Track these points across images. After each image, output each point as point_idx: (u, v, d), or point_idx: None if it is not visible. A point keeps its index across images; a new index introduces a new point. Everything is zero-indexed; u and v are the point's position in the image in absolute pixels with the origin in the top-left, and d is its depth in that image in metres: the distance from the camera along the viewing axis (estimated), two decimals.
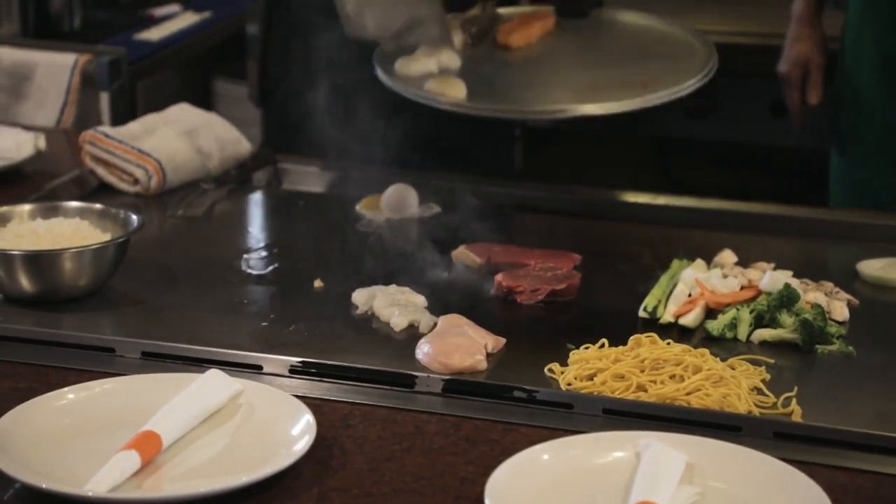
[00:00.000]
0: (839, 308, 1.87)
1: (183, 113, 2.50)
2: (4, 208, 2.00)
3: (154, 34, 3.47)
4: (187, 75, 3.90)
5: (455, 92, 2.09)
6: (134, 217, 1.98)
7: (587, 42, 2.36)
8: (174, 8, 3.76)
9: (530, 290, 1.92)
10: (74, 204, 2.04)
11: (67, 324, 1.84)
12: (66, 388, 1.58)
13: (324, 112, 2.32)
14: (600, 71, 2.22)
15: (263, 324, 1.85)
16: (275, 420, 1.54)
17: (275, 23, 2.68)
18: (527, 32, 2.34)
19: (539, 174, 3.47)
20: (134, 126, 2.42)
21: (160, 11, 3.72)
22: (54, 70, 3.00)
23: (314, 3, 2.42)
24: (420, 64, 2.19)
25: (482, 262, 2.03)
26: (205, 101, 3.83)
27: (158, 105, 2.58)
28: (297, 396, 1.59)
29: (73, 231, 1.95)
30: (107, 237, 1.96)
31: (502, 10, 2.42)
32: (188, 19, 3.64)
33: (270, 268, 2.06)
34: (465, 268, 2.03)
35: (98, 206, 2.03)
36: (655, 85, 2.12)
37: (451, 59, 2.24)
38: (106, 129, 2.39)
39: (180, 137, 2.39)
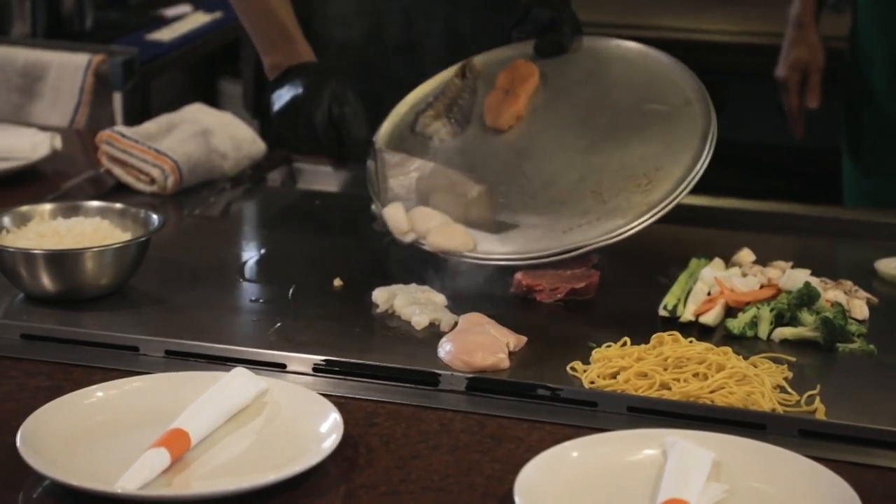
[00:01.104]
0: (859, 306, 1.87)
1: (198, 113, 2.51)
2: (25, 207, 2.01)
3: (165, 34, 3.49)
4: (192, 76, 3.92)
5: (460, 244, 1.98)
6: (154, 216, 1.99)
7: (575, 108, 2.18)
8: (185, 8, 3.77)
9: (549, 288, 1.93)
10: (95, 203, 2.04)
11: (89, 323, 1.84)
12: (94, 386, 1.58)
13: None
14: (599, 158, 2.07)
15: (284, 322, 1.86)
16: (301, 418, 1.54)
17: None
18: (514, 108, 2.18)
19: None
20: (150, 126, 2.43)
21: (171, 12, 3.73)
22: (68, 70, 3.01)
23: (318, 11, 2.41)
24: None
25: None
26: (209, 101, 3.84)
27: (165, 105, 2.58)
28: (321, 395, 1.60)
29: (93, 230, 1.96)
30: (127, 236, 1.96)
31: (477, 60, 2.27)
32: (198, 20, 3.65)
33: (288, 267, 2.07)
34: (482, 267, 2.03)
35: (118, 205, 2.04)
36: (660, 178, 1.98)
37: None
38: (122, 128, 2.40)
39: (196, 137, 2.40)
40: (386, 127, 2.22)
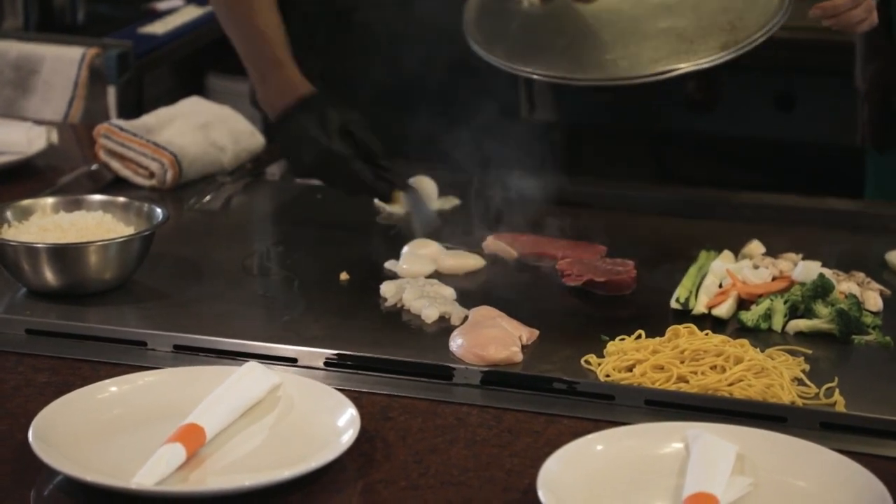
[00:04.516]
0: (872, 298, 1.86)
1: (196, 106, 2.49)
2: (27, 201, 1.98)
3: (158, 28, 3.46)
4: (180, 71, 3.88)
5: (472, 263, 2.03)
6: (158, 210, 1.96)
7: None
8: (177, 2, 3.74)
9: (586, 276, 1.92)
10: (98, 197, 2.02)
11: (94, 317, 1.81)
12: (108, 381, 1.56)
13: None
14: (683, 12, 2.15)
15: (293, 317, 1.83)
16: (317, 413, 1.52)
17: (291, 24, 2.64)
18: None
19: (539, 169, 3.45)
20: (148, 119, 2.40)
21: (163, 5, 3.70)
22: (62, 64, 2.98)
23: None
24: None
25: (516, 255, 2.02)
26: (199, 95, 3.81)
27: (155, 99, 2.55)
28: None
29: (97, 224, 1.93)
30: (130, 230, 1.94)
31: None
32: (191, 13, 3.62)
33: (293, 261, 2.04)
34: (488, 259, 2.01)
35: (121, 199, 2.01)
36: (743, 24, 2.06)
37: None
38: (120, 122, 2.37)
39: (195, 131, 2.37)
40: None
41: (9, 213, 1.94)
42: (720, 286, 1.88)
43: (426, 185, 2.26)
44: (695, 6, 2.15)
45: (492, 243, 2.04)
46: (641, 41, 2.10)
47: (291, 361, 1.70)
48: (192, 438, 1.44)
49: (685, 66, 2.02)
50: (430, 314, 1.82)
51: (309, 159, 2.13)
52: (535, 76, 2.10)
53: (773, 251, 2.01)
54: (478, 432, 1.55)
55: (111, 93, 2.98)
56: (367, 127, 2.15)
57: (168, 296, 1.90)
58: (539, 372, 1.66)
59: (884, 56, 2.64)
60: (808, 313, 1.80)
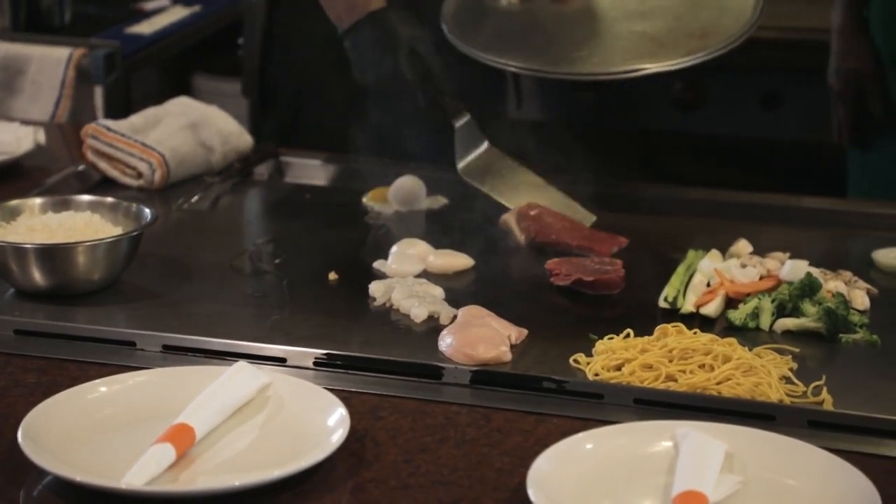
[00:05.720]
0: (859, 297, 1.86)
1: (184, 106, 2.48)
2: (15, 202, 1.98)
3: (145, 28, 3.46)
4: (167, 71, 3.88)
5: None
6: (146, 210, 1.96)
7: None
8: (164, 2, 3.74)
9: (566, 273, 1.92)
10: (86, 197, 2.01)
11: (83, 318, 1.81)
12: (97, 381, 1.56)
13: (329, 104, 2.30)
14: (658, 17, 2.20)
15: (282, 316, 1.84)
16: (307, 412, 1.52)
17: (278, 14, 2.64)
18: None
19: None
20: (136, 119, 2.39)
21: (150, 5, 3.70)
22: (48, 64, 2.98)
23: None
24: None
25: (523, 243, 2.02)
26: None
27: (142, 100, 2.55)
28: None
29: (85, 224, 1.93)
30: (118, 231, 1.93)
31: None
32: (178, 13, 3.62)
33: (281, 261, 2.05)
34: (476, 259, 2.02)
35: (110, 199, 2.01)
36: (715, 33, 2.13)
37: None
38: (108, 122, 2.37)
39: (183, 131, 2.37)
40: None
41: None
42: (708, 285, 1.89)
43: (415, 185, 2.26)
44: (668, 11, 2.18)
45: (508, 219, 2.04)
46: (614, 41, 2.16)
47: (280, 361, 1.70)
48: (182, 438, 1.44)
49: (653, 67, 2.07)
50: (419, 314, 1.82)
51: (373, 77, 2.13)
52: (508, 68, 2.15)
53: (760, 250, 2.02)
54: (467, 431, 1.55)
55: (98, 93, 2.97)
56: (433, 47, 2.13)
57: (157, 296, 1.90)
58: (528, 371, 1.67)
59: (858, 55, 2.66)
60: (796, 312, 1.81)
